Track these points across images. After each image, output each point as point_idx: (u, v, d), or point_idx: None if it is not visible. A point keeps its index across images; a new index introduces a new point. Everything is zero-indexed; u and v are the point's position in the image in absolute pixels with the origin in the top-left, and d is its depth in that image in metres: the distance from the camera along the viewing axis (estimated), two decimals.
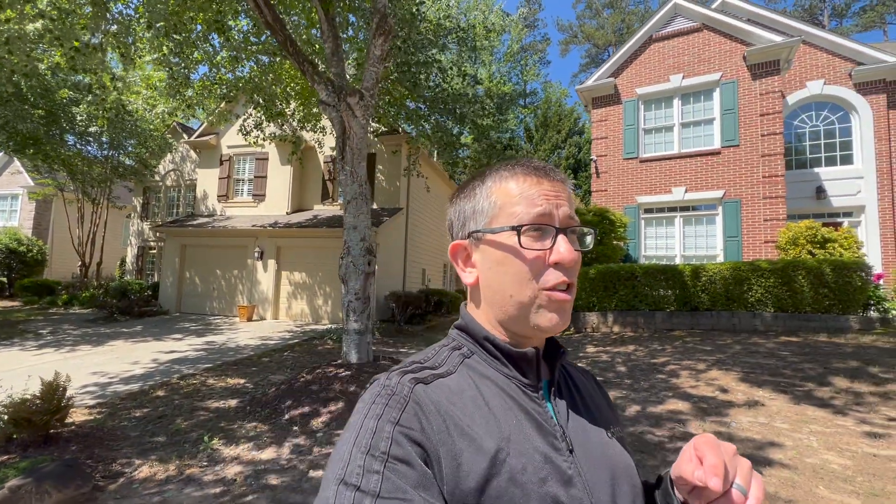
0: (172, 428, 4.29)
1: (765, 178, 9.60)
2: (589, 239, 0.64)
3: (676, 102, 10.81)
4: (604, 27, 34.16)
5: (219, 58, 9.06)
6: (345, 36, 8.40)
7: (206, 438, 3.91)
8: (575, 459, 0.55)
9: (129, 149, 14.13)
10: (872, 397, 3.86)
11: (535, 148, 31.77)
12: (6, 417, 3.63)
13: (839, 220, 10.55)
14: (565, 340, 8.05)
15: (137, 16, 7.57)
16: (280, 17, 5.43)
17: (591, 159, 11.66)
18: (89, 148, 14.09)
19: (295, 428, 4.22)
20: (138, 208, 18.01)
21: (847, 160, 10.62)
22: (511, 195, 0.60)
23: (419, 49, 8.37)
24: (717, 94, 10.34)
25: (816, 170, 10.83)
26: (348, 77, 10.06)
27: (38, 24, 6.85)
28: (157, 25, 7.33)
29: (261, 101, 9.72)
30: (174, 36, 7.66)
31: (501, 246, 0.59)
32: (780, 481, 2.67)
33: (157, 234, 14.84)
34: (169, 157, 17.07)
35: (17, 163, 19.89)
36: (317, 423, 4.29)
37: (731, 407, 3.90)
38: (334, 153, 13.10)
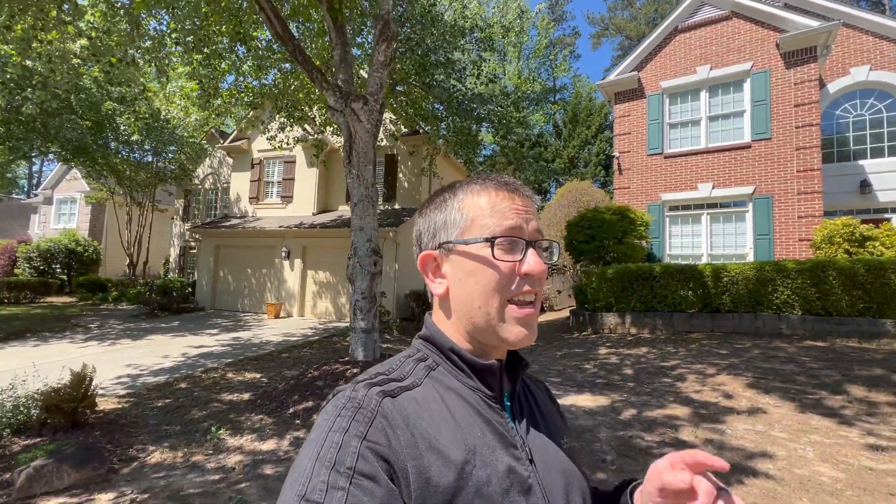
0: (187, 418, 4.61)
1: (799, 173, 9.05)
2: (555, 252, 0.67)
3: (703, 95, 10.36)
4: (637, 18, 33.02)
5: (245, 67, 9.50)
6: (360, 40, 8.61)
7: (213, 429, 4.18)
8: (534, 469, 0.57)
9: (170, 155, 15.02)
10: (888, 408, 3.61)
11: (564, 144, 31.19)
12: (40, 404, 4.02)
13: (886, 216, 9.79)
14: (580, 342, 7.94)
15: (169, 31, 8.04)
16: (289, 29, 5.66)
17: (614, 156, 11.37)
18: (136, 155, 15.15)
19: (297, 421, 4.43)
20: (180, 210, 19.14)
21: None
22: (483, 208, 0.62)
23: (432, 50, 8.46)
24: (747, 85, 9.83)
25: (861, 162, 10.10)
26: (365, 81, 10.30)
27: (82, 42, 7.48)
28: (187, 40, 7.80)
29: (286, 105, 10.11)
30: (203, 49, 8.10)
31: (474, 257, 0.60)
32: (761, 492, 2.58)
33: (194, 234, 15.69)
34: (207, 161, 18.02)
35: (75, 169, 21.55)
36: (318, 417, 4.48)
37: (731, 413, 3.76)
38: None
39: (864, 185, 9.85)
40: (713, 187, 9.94)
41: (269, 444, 3.93)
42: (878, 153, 10.03)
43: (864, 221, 9.28)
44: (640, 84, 11.14)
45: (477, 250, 0.60)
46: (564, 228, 10.51)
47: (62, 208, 23.25)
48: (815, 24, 8.98)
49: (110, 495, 3.10)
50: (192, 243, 18.26)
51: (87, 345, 8.39)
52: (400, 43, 8.64)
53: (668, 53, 10.85)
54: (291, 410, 4.64)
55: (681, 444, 3.31)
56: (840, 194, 10.16)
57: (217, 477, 3.37)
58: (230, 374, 6.38)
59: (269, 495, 3.06)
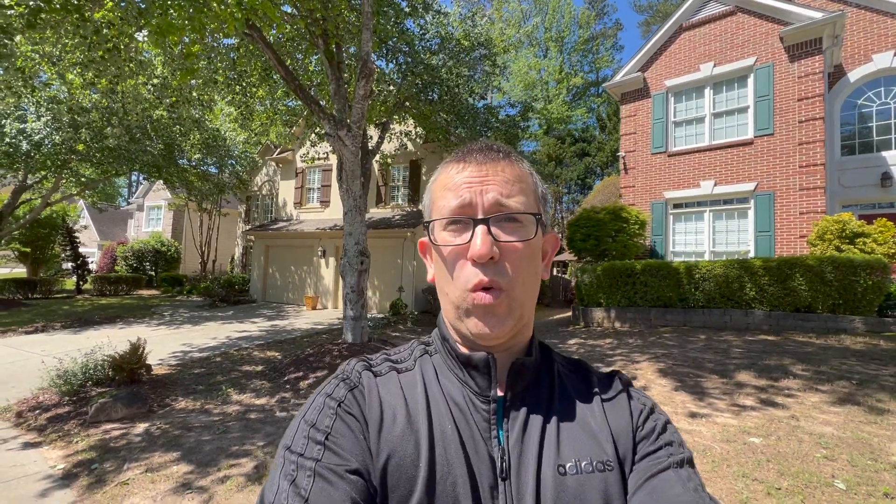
0: (211, 381, 6.05)
1: (802, 168, 8.93)
2: (530, 224, 0.54)
3: (708, 92, 10.39)
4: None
5: (279, 92, 11.09)
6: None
7: (224, 388, 5.55)
8: (507, 488, 0.50)
9: (229, 169, 17.36)
10: (751, 389, 4.07)
11: (608, 137, 30.68)
12: (110, 365, 5.61)
13: None
14: (564, 335, 8.58)
15: (214, 68, 9.72)
16: (291, 72, 6.93)
17: (620, 156, 11.65)
18: (203, 167, 17.65)
19: (287, 386, 5.69)
20: (242, 214, 21.75)
21: None
22: (440, 187, 0.57)
23: (430, 71, 9.43)
24: (751, 81, 9.76)
25: (884, 153, 9.61)
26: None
27: (151, 85, 9.37)
28: (230, 74, 9.45)
29: (315, 120, 11.58)
30: (242, 82, 9.72)
31: (433, 241, 0.57)
32: None
33: (249, 236, 17.94)
34: (264, 170, 20.39)
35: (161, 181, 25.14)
36: (304, 384, 5.72)
37: None
38: (385, 161, 14.75)
39: (886, 178, 9.41)
40: (715, 184, 10.00)
41: (261, 401, 5.21)
42: None
43: (888, 216, 8.99)
44: (646, 84, 11.33)
45: (430, 234, 0.57)
46: (567, 227, 11.06)
47: (151, 214, 27.13)
48: (818, 15, 8.80)
49: (146, 424, 4.50)
50: (251, 243, 20.76)
51: (158, 328, 10.42)
52: (403, 65, 9.72)
53: (673, 52, 10.95)
54: (286, 378, 5.92)
55: None
56: (861, 188, 9.77)
57: (217, 418, 4.68)
58: (255, 353, 7.87)
59: (246, 429, 4.29)
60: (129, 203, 32.99)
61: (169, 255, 23.23)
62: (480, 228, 0.52)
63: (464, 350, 0.57)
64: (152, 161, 12.18)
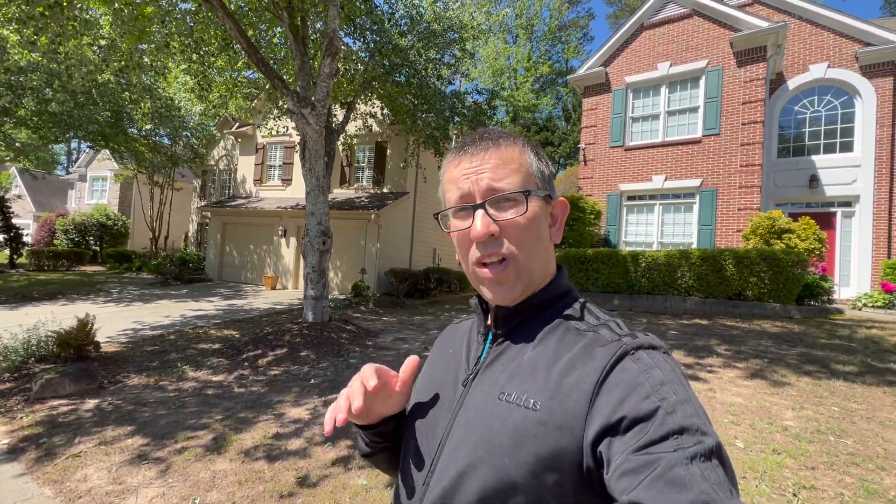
0: (166, 358, 5.95)
1: (742, 168, 9.64)
2: (524, 201, 0.61)
3: (664, 90, 10.92)
4: None
5: (240, 63, 10.63)
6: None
7: (180, 364, 5.50)
8: (464, 393, 0.63)
9: (183, 141, 16.51)
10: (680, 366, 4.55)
11: (572, 128, 31.40)
12: (55, 341, 5.41)
13: (832, 209, 10.27)
14: None
15: (168, 32, 9.20)
16: (253, 45, 6.72)
17: (580, 147, 12.08)
18: (154, 138, 16.67)
19: (246, 363, 5.70)
20: (197, 189, 20.78)
21: (847, 147, 10.23)
22: (446, 181, 0.67)
23: (397, 52, 9.36)
24: (703, 82, 10.34)
25: (813, 157, 10.52)
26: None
27: (95, 48, 8.76)
28: (187, 41, 8.97)
29: (278, 95, 11.21)
30: (201, 50, 9.25)
31: (447, 228, 0.68)
32: None
33: (205, 212, 17.25)
34: (221, 143, 19.50)
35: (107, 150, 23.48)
36: (262, 361, 5.75)
37: None
38: (350, 142, 14.52)
39: (813, 180, 10.32)
40: (665, 179, 10.61)
41: (218, 377, 5.21)
42: (830, 149, 10.42)
43: (813, 215, 9.87)
44: (607, 79, 11.73)
45: (441, 223, 0.68)
46: None
47: (95, 185, 25.36)
48: (764, 24, 9.41)
49: (96, 400, 4.43)
50: (208, 219, 19.94)
51: (105, 306, 9.97)
52: (371, 44, 9.59)
53: (634, 49, 11.37)
54: (244, 356, 5.92)
55: None
56: (792, 188, 10.66)
57: (173, 394, 4.66)
58: (212, 331, 7.75)
59: (203, 405, 4.32)
60: (69, 172, 30.67)
61: (115, 230, 21.95)
62: (479, 213, 0.61)
63: (477, 299, 0.71)
64: (98, 129, 11.43)
